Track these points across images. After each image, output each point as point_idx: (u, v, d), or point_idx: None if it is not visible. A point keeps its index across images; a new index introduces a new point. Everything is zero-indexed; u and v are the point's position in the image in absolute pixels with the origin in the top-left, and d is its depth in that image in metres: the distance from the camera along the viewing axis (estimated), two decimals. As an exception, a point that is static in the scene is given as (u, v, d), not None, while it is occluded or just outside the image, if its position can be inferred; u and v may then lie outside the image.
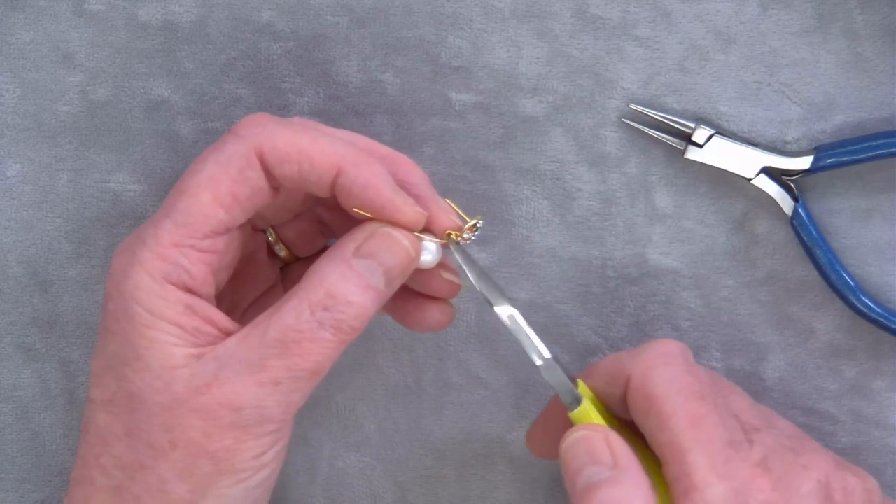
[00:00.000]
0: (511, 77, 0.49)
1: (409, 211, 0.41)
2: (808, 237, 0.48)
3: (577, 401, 0.42)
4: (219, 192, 0.41)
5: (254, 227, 0.46)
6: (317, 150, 0.41)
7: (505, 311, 0.43)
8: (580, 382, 0.43)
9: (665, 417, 0.40)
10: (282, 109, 0.50)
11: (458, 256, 0.43)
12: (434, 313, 0.45)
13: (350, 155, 0.41)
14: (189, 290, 0.41)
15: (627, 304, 0.51)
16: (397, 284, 0.42)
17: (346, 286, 0.40)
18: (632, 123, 0.49)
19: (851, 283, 0.48)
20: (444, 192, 0.50)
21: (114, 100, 0.50)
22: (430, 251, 0.42)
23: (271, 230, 0.47)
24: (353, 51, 0.50)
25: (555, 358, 0.42)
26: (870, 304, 0.48)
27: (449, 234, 0.43)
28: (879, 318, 0.48)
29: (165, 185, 0.51)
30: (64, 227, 0.51)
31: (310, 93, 0.50)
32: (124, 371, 0.40)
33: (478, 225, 0.43)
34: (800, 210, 0.48)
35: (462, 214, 0.43)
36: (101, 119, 0.51)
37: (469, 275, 0.43)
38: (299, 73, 0.50)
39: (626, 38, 0.49)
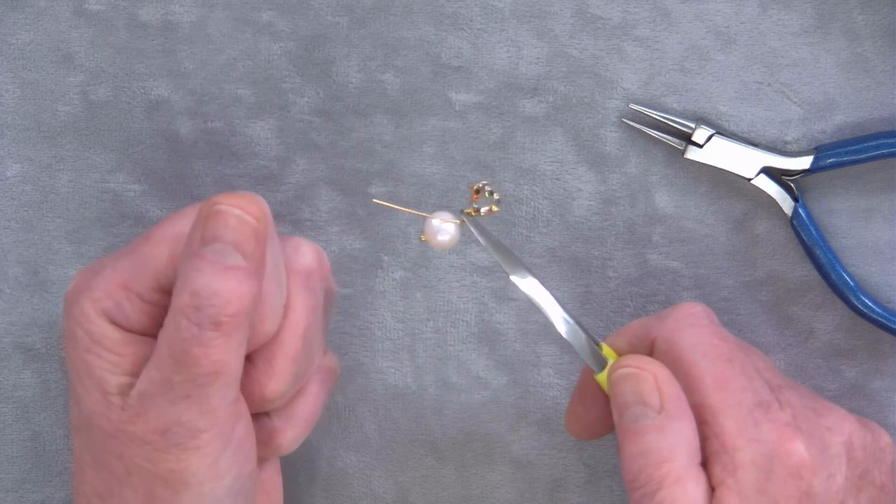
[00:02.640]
0: (511, 77, 0.49)
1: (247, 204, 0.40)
2: (808, 237, 0.48)
3: (603, 364, 0.42)
4: (178, 255, 0.40)
5: None
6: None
7: (524, 282, 0.42)
8: (605, 346, 0.43)
9: (693, 381, 0.40)
10: (282, 109, 0.50)
11: (474, 232, 0.43)
12: None
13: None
14: (123, 327, 0.40)
15: (627, 304, 0.51)
16: (259, 254, 0.39)
17: (204, 278, 0.38)
18: (632, 123, 0.49)
19: (851, 283, 0.48)
20: (445, 191, 0.50)
21: (114, 100, 0.50)
22: (447, 232, 0.42)
23: None
24: (353, 51, 0.50)
25: (577, 322, 0.42)
26: (870, 304, 0.48)
27: (464, 211, 0.43)
28: (879, 318, 0.48)
29: (165, 185, 0.51)
30: (64, 227, 0.51)
31: (310, 93, 0.50)
32: (78, 394, 0.40)
33: (488, 191, 0.43)
34: (800, 210, 0.48)
35: (494, 197, 0.43)
36: (101, 119, 0.51)
37: (486, 249, 0.43)
38: (299, 73, 0.50)
39: (626, 38, 0.49)
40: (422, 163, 0.50)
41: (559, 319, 0.42)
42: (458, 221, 0.43)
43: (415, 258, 0.51)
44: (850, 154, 0.48)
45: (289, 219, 0.50)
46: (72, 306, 0.41)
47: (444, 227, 0.42)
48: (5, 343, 0.52)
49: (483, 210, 0.43)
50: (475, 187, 0.43)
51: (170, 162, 0.51)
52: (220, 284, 0.38)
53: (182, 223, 0.41)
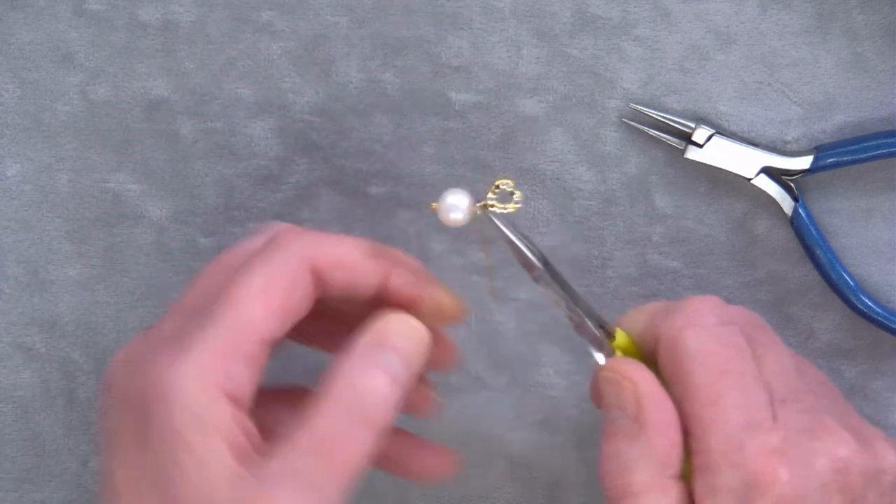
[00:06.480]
0: (511, 77, 0.49)
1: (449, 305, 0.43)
2: (808, 237, 0.48)
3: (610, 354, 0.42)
4: (273, 304, 0.40)
5: None
6: (367, 264, 0.42)
7: (539, 273, 0.42)
8: (619, 331, 0.42)
9: (688, 390, 0.39)
10: (282, 109, 0.50)
11: (496, 223, 0.42)
12: (434, 461, 0.45)
13: (392, 265, 0.42)
14: (235, 401, 0.39)
15: (627, 304, 0.50)
16: (415, 373, 0.41)
17: (372, 381, 0.39)
18: (632, 123, 0.49)
19: (851, 283, 0.48)
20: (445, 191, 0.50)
21: (114, 100, 0.50)
22: (460, 210, 0.42)
23: None
24: (353, 51, 0.50)
25: (588, 310, 0.42)
26: (870, 304, 0.48)
27: (484, 205, 0.42)
28: (879, 318, 0.48)
29: (165, 184, 0.51)
30: (64, 227, 0.51)
31: (310, 93, 0.50)
32: (168, 486, 0.38)
33: (507, 188, 0.42)
34: (800, 210, 0.48)
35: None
36: (101, 119, 0.51)
37: (506, 240, 0.42)
38: (299, 73, 0.50)
39: (626, 38, 0.49)
40: (422, 163, 0.50)
41: (564, 308, 0.42)
42: (477, 205, 0.42)
43: (414, 258, 0.50)
44: (850, 154, 0.48)
45: (289, 219, 0.50)
46: (168, 393, 0.38)
47: (458, 205, 0.42)
48: (5, 343, 0.52)
49: (499, 209, 0.42)
50: (496, 183, 0.42)
51: (170, 162, 0.51)
52: (387, 389, 0.40)
53: (259, 280, 0.40)
